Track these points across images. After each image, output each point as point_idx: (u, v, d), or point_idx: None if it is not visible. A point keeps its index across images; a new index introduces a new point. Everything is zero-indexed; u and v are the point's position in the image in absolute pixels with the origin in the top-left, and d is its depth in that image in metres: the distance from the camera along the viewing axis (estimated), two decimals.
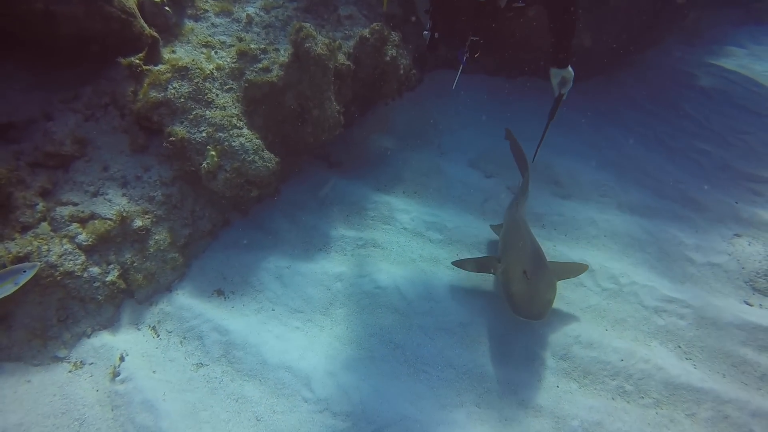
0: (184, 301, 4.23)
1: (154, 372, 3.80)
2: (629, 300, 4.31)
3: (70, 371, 3.80)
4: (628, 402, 3.65)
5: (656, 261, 4.73)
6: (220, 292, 4.37)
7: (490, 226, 4.86)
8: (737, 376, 3.84)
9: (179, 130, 4.29)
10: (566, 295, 4.32)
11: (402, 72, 5.44)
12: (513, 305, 3.55)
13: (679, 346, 4.04)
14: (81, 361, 3.86)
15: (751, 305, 4.42)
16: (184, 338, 4.03)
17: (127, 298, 4.27)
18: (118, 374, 3.75)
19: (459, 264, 4.16)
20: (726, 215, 5.26)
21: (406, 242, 4.80)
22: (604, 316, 4.21)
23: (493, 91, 7.04)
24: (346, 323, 4.11)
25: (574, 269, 4.14)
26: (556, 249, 4.75)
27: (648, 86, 7.52)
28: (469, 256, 4.60)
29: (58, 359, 3.86)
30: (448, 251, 4.73)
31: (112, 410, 3.57)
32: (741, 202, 5.41)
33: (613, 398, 3.67)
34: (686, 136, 6.50)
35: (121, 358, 3.84)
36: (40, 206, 4.00)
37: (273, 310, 4.25)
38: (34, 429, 3.42)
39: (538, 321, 3.57)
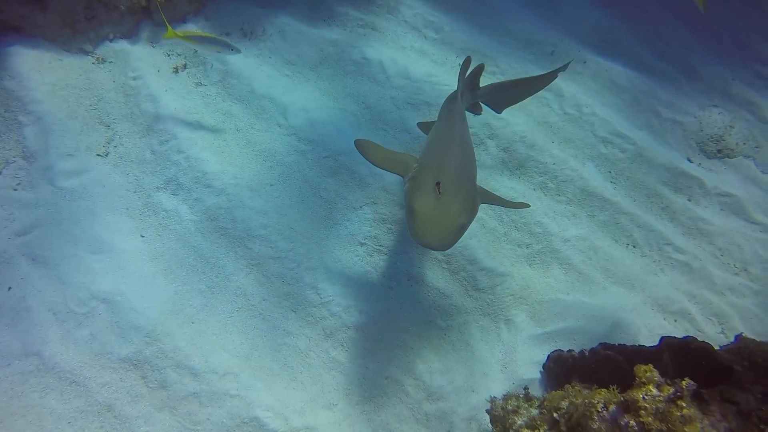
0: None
1: (160, 79, 4.46)
2: (584, 127, 4.74)
3: (93, 63, 4.47)
4: (545, 194, 4.30)
5: (626, 106, 5.04)
6: (227, 34, 4.85)
7: (418, 124, 4.21)
8: (644, 201, 4.43)
9: None
10: (529, 108, 4.75)
11: None
12: (410, 225, 2.61)
13: (609, 171, 4.57)
14: (103, 58, 4.51)
15: (691, 162, 4.85)
16: (190, 62, 4.62)
17: (146, 18, 4.78)
18: (132, 73, 4.42)
19: (362, 149, 3.16)
20: (715, 88, 5.39)
21: (402, 32, 5.11)
22: (555, 132, 4.68)
23: None
24: (329, 81, 4.65)
25: (510, 203, 3.28)
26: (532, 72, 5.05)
27: None
28: (453, 61, 4.96)
29: (84, 51, 4.51)
30: (437, 49, 5.07)
31: (125, 96, 4.31)
32: (738, 80, 5.49)
33: (534, 189, 4.32)
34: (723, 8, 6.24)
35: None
36: None
37: (270, 57, 4.77)
38: (66, 92, 4.20)
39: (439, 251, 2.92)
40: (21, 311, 3.31)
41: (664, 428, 1.94)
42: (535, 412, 2.84)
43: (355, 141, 3.19)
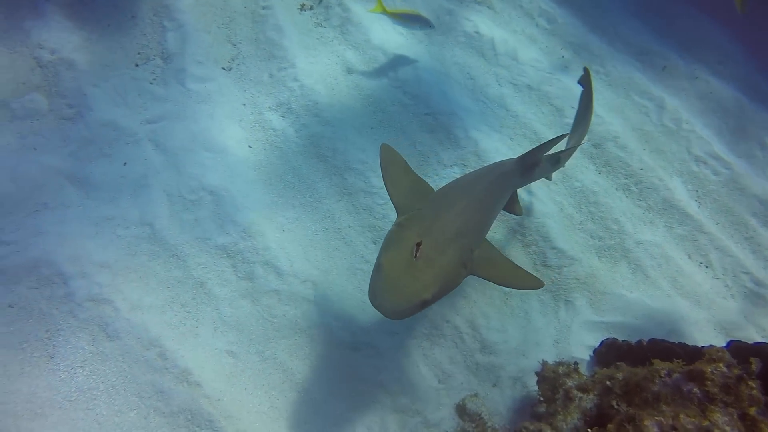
0: None
1: (287, 13, 4.78)
2: (679, 142, 4.72)
3: None
4: (626, 196, 4.35)
5: (729, 131, 4.96)
6: None
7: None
8: (728, 226, 4.38)
9: None
10: (627, 113, 4.78)
11: None
12: (372, 277, 2.34)
13: (696, 190, 4.55)
14: None
15: None
16: (315, 4, 4.91)
17: None
18: (263, 3, 4.76)
19: (384, 157, 2.93)
20: None
21: (516, 16, 5.24)
22: (649, 141, 4.69)
23: None
24: (439, 46, 4.85)
25: (520, 276, 2.83)
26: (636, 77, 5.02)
27: None
28: (558, 53, 5.04)
29: None
30: (547, 39, 5.17)
31: (253, 22, 4.67)
32: None
33: (616, 188, 4.37)
34: None
35: None
36: None
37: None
38: (205, 8, 4.60)
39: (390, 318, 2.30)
40: (142, 186, 3.74)
41: (729, 400, 2.05)
42: (586, 378, 2.99)
43: (381, 145, 2.93)
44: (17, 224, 3.50)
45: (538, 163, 3.11)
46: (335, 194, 3.87)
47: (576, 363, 3.16)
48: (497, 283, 2.77)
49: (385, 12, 4.21)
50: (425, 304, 2.28)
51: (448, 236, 2.40)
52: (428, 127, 4.29)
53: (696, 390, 2.15)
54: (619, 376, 2.74)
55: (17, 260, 3.37)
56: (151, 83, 4.21)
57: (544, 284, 2.84)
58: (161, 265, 3.47)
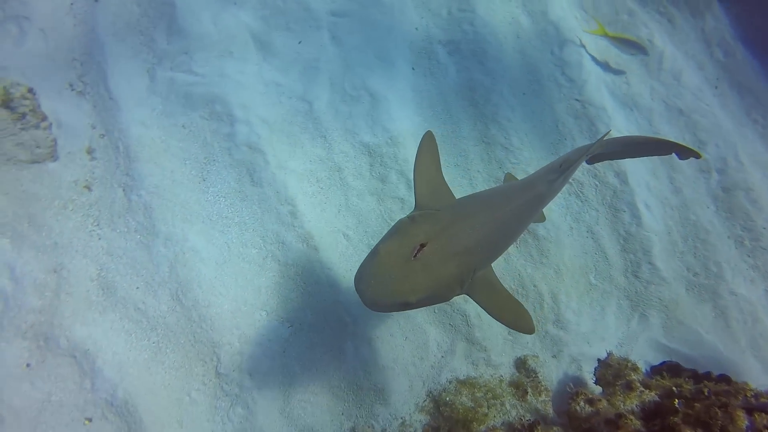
0: None
1: None
2: None
3: None
4: (737, 247, 4.38)
5: None
6: None
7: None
8: None
9: None
10: None
11: None
12: (364, 260, 2.22)
13: None
14: None
15: None
16: None
17: None
18: None
19: (423, 145, 2.76)
20: None
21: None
22: None
23: None
24: None
25: (516, 313, 2.54)
26: None
27: None
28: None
29: None
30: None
31: None
32: None
33: (728, 236, 4.40)
34: None
35: None
36: None
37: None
38: None
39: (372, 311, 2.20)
40: (311, 68, 4.10)
41: None
42: (645, 378, 3.22)
43: (426, 132, 2.80)
44: (207, 61, 3.94)
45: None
46: (475, 138, 4.11)
47: (637, 365, 3.38)
48: (489, 312, 2.45)
49: (606, 35, 4.45)
50: (406, 306, 2.14)
51: (456, 249, 2.22)
52: (574, 112, 4.41)
53: None
54: (688, 386, 2.95)
55: (200, 90, 3.83)
56: None
57: (535, 331, 2.56)
58: (309, 140, 3.85)
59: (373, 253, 2.17)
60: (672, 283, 4.04)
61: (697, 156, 2.94)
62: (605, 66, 4.75)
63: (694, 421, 2.41)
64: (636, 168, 4.23)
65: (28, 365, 3.06)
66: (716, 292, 4.12)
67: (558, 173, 2.69)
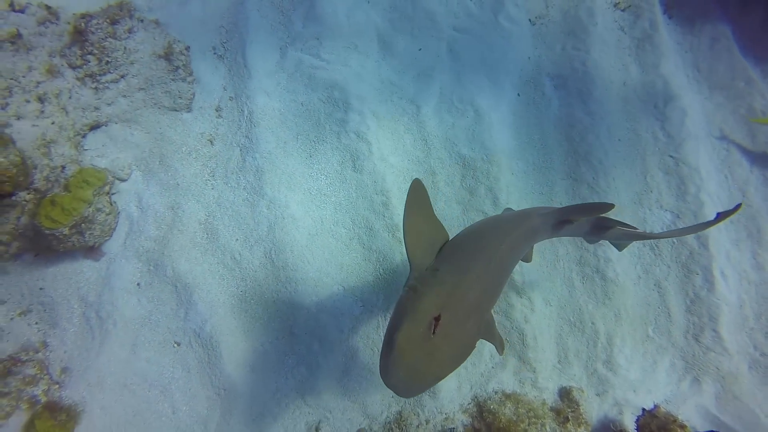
0: None
1: None
2: None
3: None
4: None
5: None
6: None
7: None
8: None
9: None
10: None
11: None
12: (383, 352, 2.16)
13: None
14: None
15: None
16: None
17: None
18: None
19: (412, 193, 2.65)
20: None
21: None
22: None
23: None
24: None
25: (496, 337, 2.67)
26: None
27: None
28: None
29: None
30: None
31: None
32: None
33: None
34: None
35: None
36: None
37: None
38: None
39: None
40: (425, 75, 4.38)
41: None
42: None
43: (413, 180, 2.68)
44: (334, 50, 4.29)
45: (572, 222, 2.76)
46: (564, 173, 4.26)
47: (686, 425, 3.45)
48: (488, 341, 2.57)
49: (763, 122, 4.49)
50: (439, 380, 2.18)
51: (468, 309, 2.20)
52: (666, 168, 4.48)
53: None
54: None
55: (323, 75, 4.19)
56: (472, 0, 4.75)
57: (502, 353, 2.76)
58: (411, 141, 4.13)
59: (390, 344, 2.08)
60: (734, 357, 4.04)
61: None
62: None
63: None
64: (719, 235, 4.25)
65: (138, 284, 3.49)
66: None
67: (554, 212, 2.63)
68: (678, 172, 4.47)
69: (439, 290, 2.18)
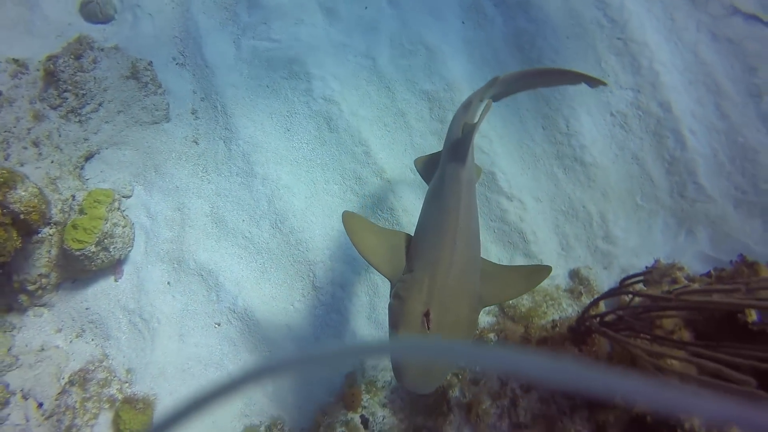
0: None
1: None
2: None
3: None
4: None
5: None
6: None
7: (415, 162, 3.36)
8: None
9: None
10: None
11: None
12: (393, 367, 2.25)
13: None
14: None
15: None
16: None
17: None
18: None
19: (349, 226, 2.59)
20: None
21: None
22: None
23: None
24: None
25: (527, 276, 2.60)
26: None
27: None
28: None
29: None
30: None
31: None
32: None
33: None
34: None
35: None
36: None
37: None
38: None
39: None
40: (372, 28, 4.62)
41: None
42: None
43: (343, 213, 2.63)
44: (283, 29, 4.55)
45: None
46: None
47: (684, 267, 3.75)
48: (509, 299, 2.55)
49: None
50: (453, 366, 2.32)
51: (455, 292, 2.22)
52: (616, 50, 4.70)
53: None
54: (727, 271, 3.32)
55: (279, 54, 4.45)
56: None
57: (551, 270, 2.60)
58: (375, 91, 4.40)
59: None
60: (719, 201, 4.31)
61: (603, 84, 2.97)
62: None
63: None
64: (680, 98, 4.49)
65: (168, 283, 3.83)
66: (767, 209, 4.35)
67: (467, 149, 2.54)
68: (628, 50, 4.69)
69: (419, 288, 2.22)
